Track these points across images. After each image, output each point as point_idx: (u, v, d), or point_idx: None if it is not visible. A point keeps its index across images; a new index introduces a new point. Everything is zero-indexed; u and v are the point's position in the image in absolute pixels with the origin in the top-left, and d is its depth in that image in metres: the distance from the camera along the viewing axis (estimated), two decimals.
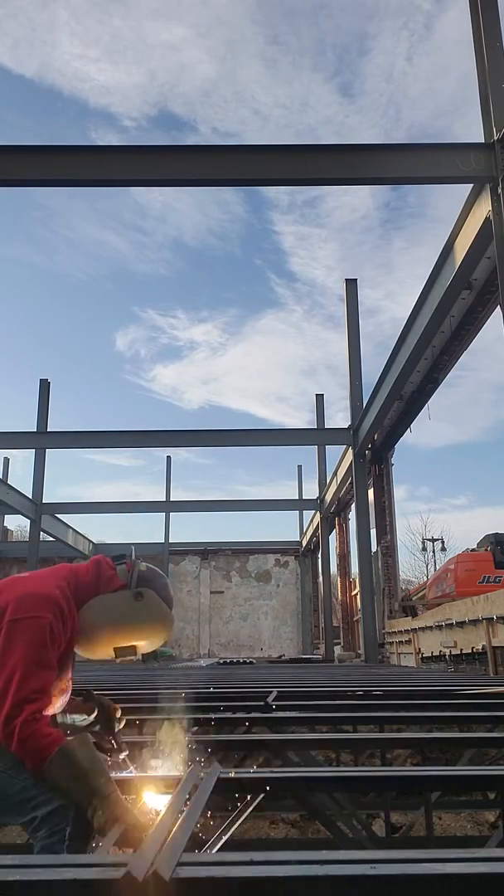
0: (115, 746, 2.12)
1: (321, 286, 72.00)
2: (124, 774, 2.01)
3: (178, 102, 66.10)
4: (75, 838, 1.69)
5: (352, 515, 17.55)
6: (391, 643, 15.00)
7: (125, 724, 2.25)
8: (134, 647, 2.07)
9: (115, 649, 2.06)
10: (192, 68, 58.27)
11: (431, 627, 11.73)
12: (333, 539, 22.02)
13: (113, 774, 1.82)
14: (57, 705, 1.99)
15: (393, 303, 66.38)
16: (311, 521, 25.13)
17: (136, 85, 59.70)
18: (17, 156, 7.43)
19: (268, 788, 1.86)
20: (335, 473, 18.97)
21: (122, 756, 2.11)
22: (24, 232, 67.73)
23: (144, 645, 2.09)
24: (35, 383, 21.62)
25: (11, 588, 1.92)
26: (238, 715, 3.81)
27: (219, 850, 1.72)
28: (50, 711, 1.92)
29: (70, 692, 2.10)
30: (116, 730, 2.14)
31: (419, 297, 9.80)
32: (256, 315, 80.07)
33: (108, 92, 60.70)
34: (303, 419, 75.49)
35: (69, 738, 1.76)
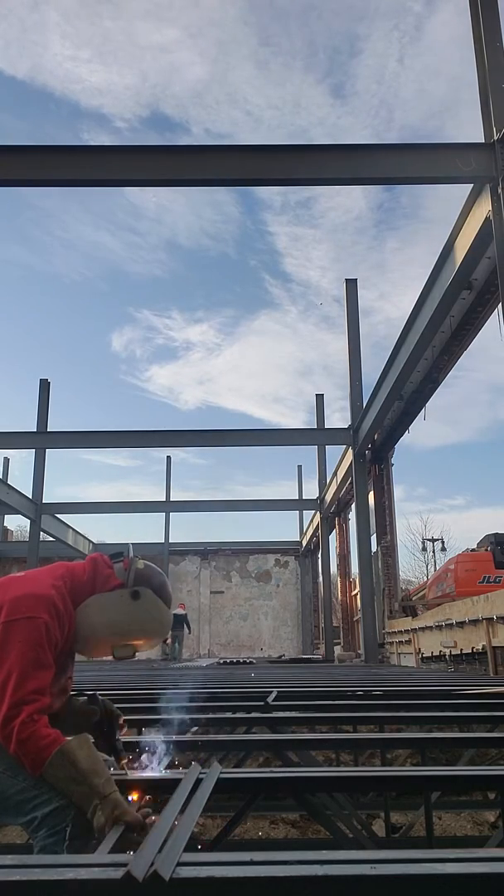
0: (115, 752, 2.11)
1: (315, 287, 72.05)
2: (124, 776, 2.01)
3: (171, 104, 66.21)
4: (75, 838, 1.69)
5: (352, 515, 17.56)
6: (391, 643, 15.00)
7: (125, 726, 2.24)
8: (132, 647, 2.06)
9: (112, 649, 2.05)
10: (184, 70, 58.36)
11: (431, 627, 11.73)
12: (333, 539, 22.02)
13: (112, 775, 1.81)
14: (56, 705, 1.99)
15: (387, 303, 66.49)
16: (311, 521, 25.13)
17: (128, 86, 59.79)
18: (10, 156, 7.43)
19: (268, 788, 1.86)
20: (335, 473, 18.97)
21: (121, 763, 2.10)
22: (19, 233, 67.79)
23: (142, 644, 2.08)
24: (32, 383, 21.70)
25: (7, 588, 1.91)
26: (238, 715, 3.81)
27: (219, 850, 1.72)
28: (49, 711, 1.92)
29: (70, 691, 2.10)
30: (118, 736, 2.14)
31: (419, 298, 9.80)
32: (251, 315, 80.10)
33: (100, 93, 60.80)
34: (299, 419, 75.75)
35: (68, 739, 1.76)
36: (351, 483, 16.26)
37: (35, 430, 20.08)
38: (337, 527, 21.59)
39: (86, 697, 2.15)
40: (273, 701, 4.04)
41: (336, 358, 68.18)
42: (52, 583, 1.95)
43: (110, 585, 2.03)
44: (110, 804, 1.65)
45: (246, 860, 1.14)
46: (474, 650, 9.72)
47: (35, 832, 1.71)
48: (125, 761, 2.11)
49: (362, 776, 2.11)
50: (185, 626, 23.67)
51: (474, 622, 9.64)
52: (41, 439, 19.76)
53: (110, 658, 2.08)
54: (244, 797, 2.08)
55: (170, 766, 2.30)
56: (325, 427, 22.17)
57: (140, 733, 3.23)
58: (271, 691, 4.50)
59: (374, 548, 16.07)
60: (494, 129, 6.98)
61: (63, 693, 2.02)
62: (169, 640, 24.35)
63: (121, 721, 2.15)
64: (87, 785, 1.67)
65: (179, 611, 24.98)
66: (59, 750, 1.70)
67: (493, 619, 8.97)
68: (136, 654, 2.09)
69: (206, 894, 1.09)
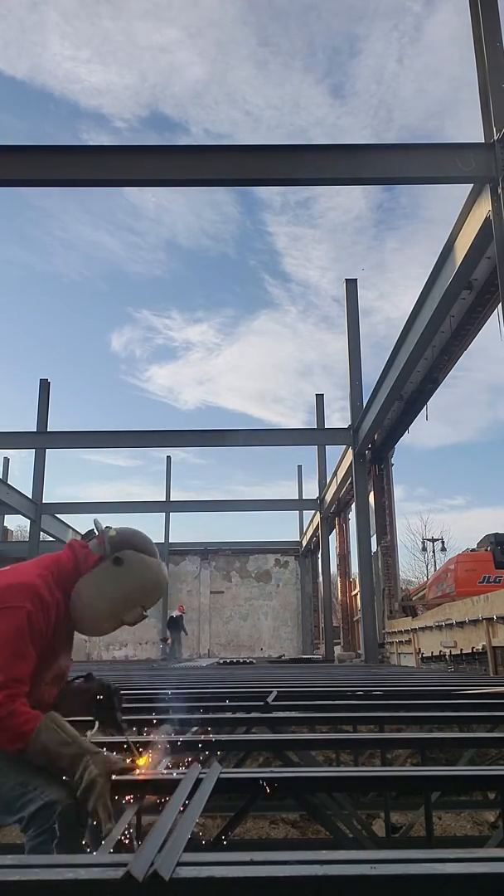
0: (117, 727, 2.12)
1: (315, 287, 72.17)
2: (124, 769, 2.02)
3: (170, 104, 66.15)
4: (64, 836, 1.69)
5: (352, 515, 17.56)
6: (391, 643, 14.99)
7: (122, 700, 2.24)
8: (138, 609, 2.06)
9: (121, 619, 2.05)
10: (184, 70, 58.30)
11: (431, 627, 11.72)
12: (333, 539, 22.02)
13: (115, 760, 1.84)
14: (53, 692, 2.00)
15: (386, 303, 66.52)
16: (311, 521, 25.13)
17: (128, 86, 59.71)
18: (10, 156, 7.42)
19: (268, 788, 1.86)
20: (335, 473, 18.97)
21: (125, 738, 2.11)
22: (18, 233, 67.79)
23: (148, 602, 2.08)
24: (32, 383, 21.74)
25: None
26: (238, 715, 3.81)
27: (219, 850, 1.72)
28: (48, 699, 1.94)
29: (66, 679, 2.10)
30: (119, 711, 2.14)
31: (419, 298, 9.80)
32: (251, 315, 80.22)
33: (99, 93, 60.77)
34: (298, 419, 75.75)
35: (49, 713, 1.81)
36: (351, 483, 16.26)
37: (35, 430, 20.08)
38: (337, 527, 21.58)
39: (81, 678, 2.16)
40: (273, 701, 4.04)
41: (336, 358, 68.33)
42: (37, 572, 1.96)
43: (91, 563, 2.04)
44: (101, 758, 1.72)
45: (246, 860, 1.14)
46: (474, 650, 9.71)
47: (24, 831, 1.73)
48: (127, 735, 2.12)
49: (362, 776, 2.11)
50: (182, 628, 23.77)
51: (474, 622, 9.64)
52: (41, 439, 19.76)
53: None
54: (244, 797, 2.08)
55: (170, 766, 2.30)
56: (325, 427, 22.16)
57: (139, 733, 3.22)
58: (271, 691, 4.49)
59: (374, 548, 16.07)
60: (494, 129, 6.98)
61: (59, 680, 2.03)
62: (169, 641, 24.42)
63: (120, 695, 2.16)
64: (77, 745, 1.73)
65: (177, 612, 25.08)
66: (49, 716, 1.77)
67: (493, 619, 8.97)
68: (146, 616, 2.11)
69: (206, 894, 1.09)
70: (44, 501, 21.44)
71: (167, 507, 27.65)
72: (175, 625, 24.65)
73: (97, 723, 2.33)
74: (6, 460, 29.27)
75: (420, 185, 9.20)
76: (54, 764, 1.74)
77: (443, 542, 34.96)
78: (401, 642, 14.19)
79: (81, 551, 2.07)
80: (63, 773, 1.74)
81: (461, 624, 10.15)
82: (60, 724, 1.77)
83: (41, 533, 21.65)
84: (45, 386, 21.41)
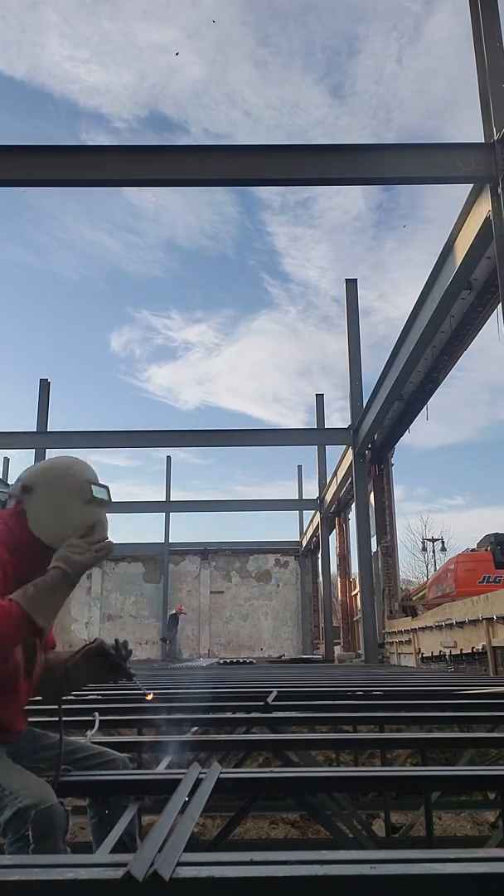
0: (128, 677, 2.14)
1: (315, 287, 72.09)
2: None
3: (169, 104, 65.73)
4: (41, 841, 1.67)
5: (352, 515, 17.56)
6: (391, 643, 14.99)
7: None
8: (87, 495, 2.03)
9: (83, 518, 2.01)
10: (182, 70, 58.02)
11: (431, 627, 11.72)
12: (333, 539, 22.02)
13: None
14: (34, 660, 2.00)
15: (386, 303, 66.37)
16: (311, 521, 25.13)
17: (127, 86, 59.40)
18: (9, 156, 7.40)
19: (268, 788, 1.86)
20: (335, 473, 18.97)
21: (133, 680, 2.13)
22: (17, 233, 67.51)
23: (85, 488, 2.05)
24: (32, 383, 21.69)
25: None
26: (238, 715, 3.81)
27: (219, 850, 1.72)
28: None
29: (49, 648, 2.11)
30: (126, 658, 2.15)
31: (419, 298, 9.80)
32: (251, 316, 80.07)
33: (98, 93, 60.43)
34: (298, 419, 75.53)
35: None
36: (351, 483, 16.26)
37: (35, 430, 20.09)
38: (337, 527, 21.58)
39: (91, 644, 2.17)
40: (273, 701, 4.04)
41: (336, 358, 68.31)
42: None
43: (17, 513, 2.04)
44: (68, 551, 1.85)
45: (246, 860, 1.14)
46: (474, 650, 9.72)
47: (3, 836, 1.72)
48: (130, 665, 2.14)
49: (362, 776, 2.11)
50: (174, 628, 23.97)
51: (474, 622, 9.64)
52: (41, 439, 19.75)
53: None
54: (244, 797, 2.08)
55: (170, 766, 2.30)
56: (325, 427, 22.15)
57: (140, 733, 3.22)
58: (271, 691, 4.49)
59: (374, 548, 16.07)
60: (494, 129, 6.97)
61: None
62: (168, 641, 24.49)
63: (127, 647, 2.17)
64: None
65: (174, 611, 25.19)
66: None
67: (493, 619, 8.97)
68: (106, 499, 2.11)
69: (206, 894, 1.09)
70: None
71: (167, 507, 27.65)
72: (173, 624, 24.77)
73: (97, 723, 2.34)
74: (6, 460, 29.23)
75: (419, 186, 9.19)
76: (59, 584, 1.81)
77: (443, 542, 35.03)
78: (401, 642, 14.19)
79: (5, 513, 2.08)
80: (61, 576, 1.81)
81: (461, 624, 10.15)
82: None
83: None
84: (45, 386, 21.41)
